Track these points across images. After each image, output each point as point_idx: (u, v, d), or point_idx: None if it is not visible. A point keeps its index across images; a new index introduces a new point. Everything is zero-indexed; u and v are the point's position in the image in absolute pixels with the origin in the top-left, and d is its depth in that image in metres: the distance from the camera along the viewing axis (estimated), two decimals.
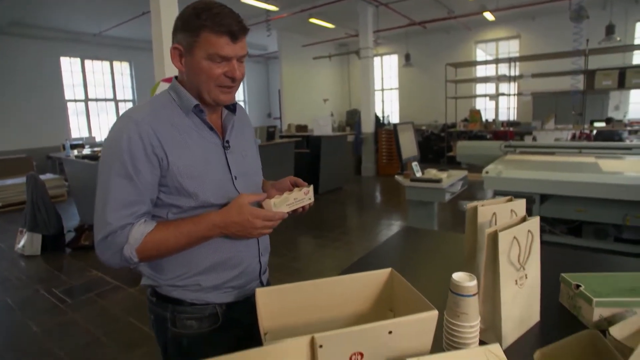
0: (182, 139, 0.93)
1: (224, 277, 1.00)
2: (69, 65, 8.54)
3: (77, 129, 8.83)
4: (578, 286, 0.92)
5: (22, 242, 4.12)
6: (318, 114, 8.90)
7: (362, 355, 0.71)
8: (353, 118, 9.97)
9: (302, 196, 1.01)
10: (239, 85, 0.98)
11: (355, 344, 0.70)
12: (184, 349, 1.00)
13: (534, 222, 0.88)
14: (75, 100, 8.78)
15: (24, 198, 4.74)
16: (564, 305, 0.99)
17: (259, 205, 0.96)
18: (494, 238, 0.80)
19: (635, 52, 7.90)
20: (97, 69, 9.21)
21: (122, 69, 9.70)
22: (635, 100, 8.79)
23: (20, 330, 2.67)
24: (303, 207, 1.04)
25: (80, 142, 7.53)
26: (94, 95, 9.15)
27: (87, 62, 8.92)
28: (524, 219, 0.89)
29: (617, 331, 0.77)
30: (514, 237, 0.82)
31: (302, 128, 8.06)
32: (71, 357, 2.34)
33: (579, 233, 3.16)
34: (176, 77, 0.99)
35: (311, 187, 1.04)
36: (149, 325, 1.07)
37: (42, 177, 5.29)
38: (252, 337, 0.96)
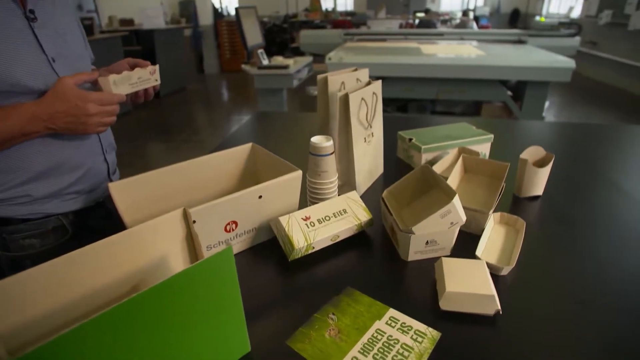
0: None
1: (61, 183, 0.85)
2: None
3: None
4: (410, 139, 1.09)
5: None
6: (145, 5, 7.55)
7: (236, 223, 0.73)
8: (187, 9, 8.80)
9: (148, 75, 0.87)
10: None
11: (228, 214, 0.70)
12: None
13: (377, 85, 0.97)
14: None
15: None
16: (401, 158, 1.17)
17: (93, 88, 0.80)
18: (345, 100, 0.85)
19: None
20: None
21: None
22: None
23: None
24: (147, 91, 0.91)
25: None
26: None
27: None
28: (368, 83, 0.97)
29: (438, 167, 0.97)
30: (362, 99, 0.89)
31: (127, 22, 6.75)
32: None
33: (405, 110, 3.68)
34: None
35: (157, 67, 0.90)
36: None
37: None
38: None
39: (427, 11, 7.31)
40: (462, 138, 1.08)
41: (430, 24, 6.89)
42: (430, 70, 3.12)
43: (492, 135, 1.11)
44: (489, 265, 0.67)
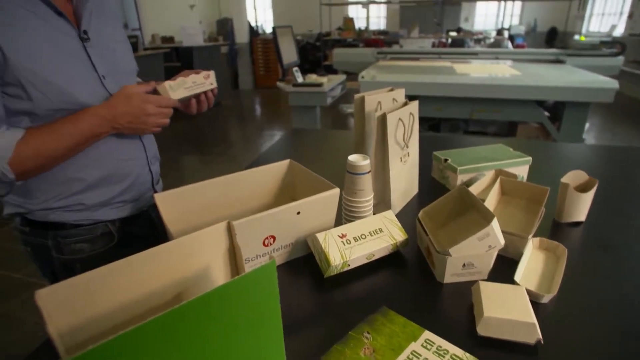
0: (18, 26, 0.71)
1: (111, 192, 0.90)
2: None
3: None
4: (446, 160, 1.09)
5: None
6: (185, 23, 7.93)
7: (274, 237, 0.75)
8: (224, 28, 9.16)
9: (202, 80, 0.91)
10: None
11: (267, 228, 0.72)
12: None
13: (414, 105, 0.98)
14: None
15: None
16: (435, 178, 1.17)
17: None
18: (382, 120, 0.87)
19: None
20: None
21: None
22: (480, 12, 9.91)
23: None
24: (206, 96, 0.95)
25: None
26: None
27: None
28: (405, 104, 0.98)
29: (474, 189, 0.96)
30: (399, 119, 0.90)
31: (168, 40, 7.14)
32: None
33: (438, 129, 3.65)
34: None
35: (212, 72, 0.94)
36: (28, 259, 0.94)
37: None
38: None
39: (459, 30, 7.28)
40: (499, 160, 1.07)
41: (464, 43, 6.86)
42: (464, 89, 3.10)
43: (530, 158, 1.09)
44: (529, 292, 0.65)
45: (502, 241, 0.68)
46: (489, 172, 1.02)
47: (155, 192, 1.01)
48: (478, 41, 7.57)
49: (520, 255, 0.75)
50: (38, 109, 0.75)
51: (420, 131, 3.75)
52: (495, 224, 0.66)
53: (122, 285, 0.55)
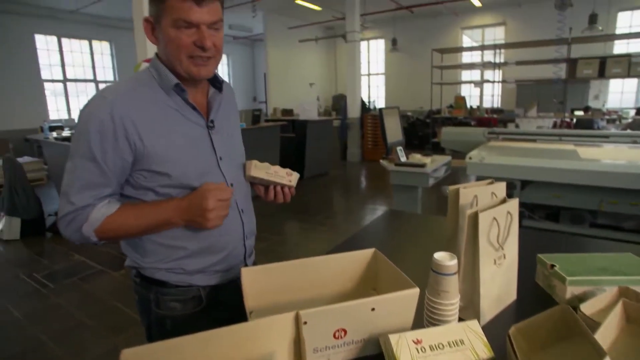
0: (161, 121, 0.90)
1: (208, 262, 1.00)
2: (45, 44, 8.24)
3: (56, 111, 8.63)
4: (553, 266, 0.96)
5: (0, 226, 4.03)
6: (304, 98, 8.86)
7: (345, 331, 0.73)
8: (339, 103, 9.95)
9: (283, 174, 1.00)
10: (217, 57, 0.92)
11: (339, 320, 0.71)
12: (168, 330, 1.01)
13: (513, 204, 0.91)
14: (53, 81, 8.52)
15: (1, 181, 4.61)
16: (540, 285, 1.03)
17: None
18: (474, 219, 0.82)
19: (616, 41, 8.02)
20: (75, 48, 8.91)
21: (102, 49, 9.41)
22: (614, 89, 9.00)
23: (1, 315, 2.63)
24: (282, 191, 1.05)
25: (60, 124, 7.36)
26: (73, 76, 8.88)
27: (65, 41, 8.62)
28: (503, 201, 0.91)
29: (587, 308, 0.81)
30: (494, 218, 0.84)
31: (287, 112, 8.00)
32: (55, 341, 2.32)
33: (556, 218, 3.25)
34: (157, 55, 0.96)
35: (296, 174, 1.03)
36: (135, 306, 1.07)
37: (20, 160, 5.15)
38: (237, 319, 0.97)
39: (587, 109, 6.67)
40: (624, 274, 0.90)
41: (592, 124, 6.24)
42: (590, 176, 2.74)
43: None
44: None
45: None
46: (611, 289, 0.86)
47: (246, 264, 1.08)
48: (611, 121, 6.80)
49: None
50: (160, 188, 0.90)
51: (534, 219, 3.37)
52: None
53: (194, 357, 0.59)
